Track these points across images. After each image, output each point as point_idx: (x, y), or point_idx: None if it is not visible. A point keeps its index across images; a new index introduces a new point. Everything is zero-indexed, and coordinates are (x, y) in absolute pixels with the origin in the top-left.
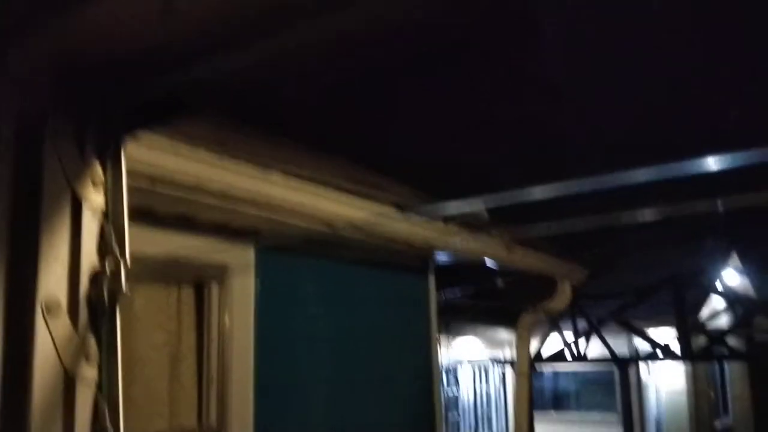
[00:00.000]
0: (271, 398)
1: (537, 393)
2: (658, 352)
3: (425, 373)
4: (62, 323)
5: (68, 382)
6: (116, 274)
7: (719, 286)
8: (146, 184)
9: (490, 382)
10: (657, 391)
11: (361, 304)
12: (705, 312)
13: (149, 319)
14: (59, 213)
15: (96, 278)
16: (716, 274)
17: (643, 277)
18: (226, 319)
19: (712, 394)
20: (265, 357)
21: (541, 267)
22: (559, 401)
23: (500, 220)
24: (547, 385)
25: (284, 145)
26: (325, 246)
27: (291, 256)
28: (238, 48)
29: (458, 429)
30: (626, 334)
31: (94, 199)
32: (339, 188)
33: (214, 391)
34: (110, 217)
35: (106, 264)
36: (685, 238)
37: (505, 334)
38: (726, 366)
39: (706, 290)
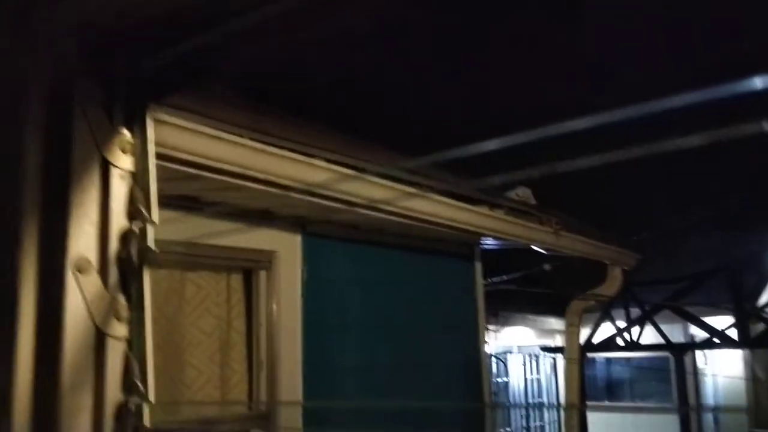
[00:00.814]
0: (319, 383)
1: (590, 382)
2: (715, 339)
3: (473, 360)
4: (92, 281)
5: (99, 339)
6: (144, 234)
7: None
8: (193, 172)
9: (541, 371)
10: (714, 379)
11: (408, 290)
12: (763, 298)
13: (200, 306)
14: (89, 176)
15: (125, 238)
16: None
17: (699, 263)
18: (274, 304)
19: None
20: (313, 342)
21: (591, 252)
22: (612, 390)
23: (548, 204)
24: (601, 374)
25: (325, 134)
26: (370, 232)
27: (337, 242)
28: (263, 13)
29: (508, 417)
30: (681, 322)
31: (123, 163)
32: (381, 174)
33: (264, 375)
34: (138, 181)
35: (134, 225)
36: (741, 223)
37: (555, 323)
38: None
39: (763, 276)
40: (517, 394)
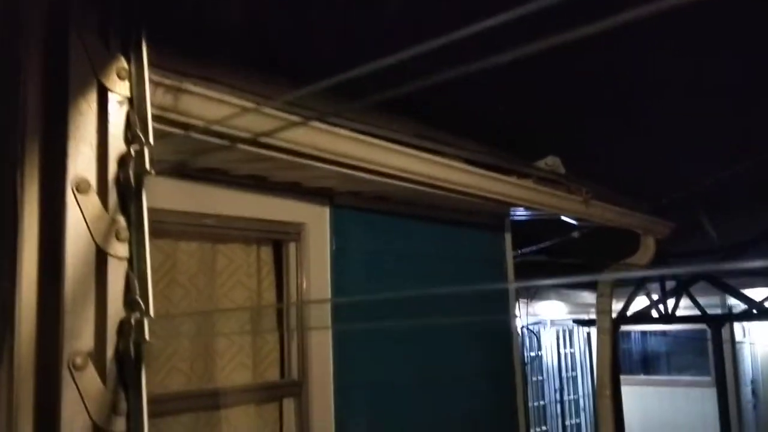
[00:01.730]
0: (349, 352)
1: (625, 356)
2: (754, 310)
3: (503, 332)
4: (92, 202)
5: (100, 258)
6: (141, 157)
7: None
8: (218, 142)
9: (575, 344)
10: (753, 353)
11: (436, 262)
12: None
13: (231, 278)
14: (86, 100)
15: (123, 161)
16: None
17: (738, 234)
18: (304, 276)
19: None
20: (342, 313)
21: (622, 221)
22: (648, 364)
23: (578, 174)
24: (636, 347)
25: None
26: (399, 204)
27: (365, 214)
28: None
29: (542, 390)
30: (718, 293)
31: (119, 89)
32: (409, 144)
33: (295, 345)
34: (134, 105)
35: (132, 148)
36: None
37: (588, 297)
38: None
39: None
40: (550, 368)
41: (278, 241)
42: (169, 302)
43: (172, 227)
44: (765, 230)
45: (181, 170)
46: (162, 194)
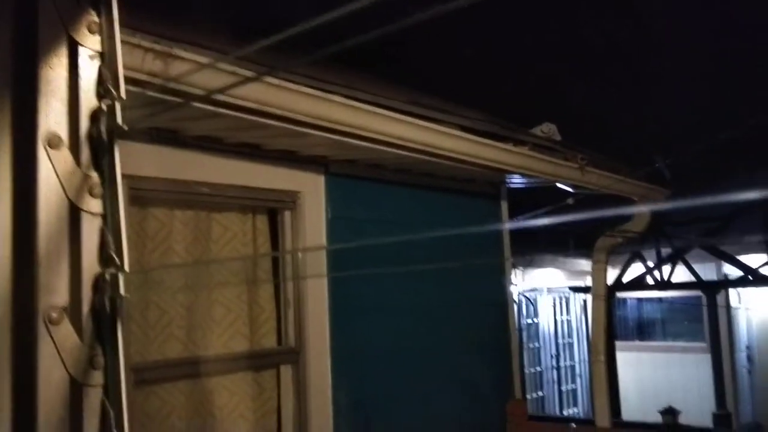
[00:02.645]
0: (346, 320)
1: (621, 322)
2: (749, 277)
3: (499, 300)
4: (64, 157)
5: (74, 213)
6: (113, 111)
7: None
8: (210, 109)
9: (571, 312)
10: (748, 319)
11: (432, 229)
12: None
13: (227, 246)
14: (56, 54)
15: (94, 117)
16: None
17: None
18: (300, 244)
19: None
20: (338, 280)
21: (617, 188)
22: (643, 330)
23: (574, 140)
24: (632, 314)
25: (343, 70)
26: (394, 172)
27: (361, 182)
28: None
29: (538, 357)
30: (714, 260)
31: (90, 43)
32: (405, 112)
33: (292, 314)
34: (105, 60)
35: (103, 103)
36: None
37: (585, 264)
38: None
39: None
40: (547, 335)
41: (273, 209)
42: (165, 271)
43: (167, 195)
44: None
45: (173, 138)
46: (156, 162)
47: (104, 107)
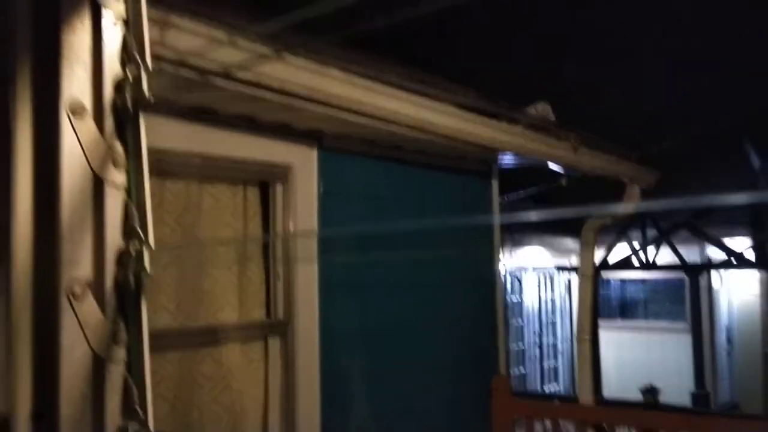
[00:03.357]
0: (335, 294)
1: (604, 301)
2: (732, 259)
3: (486, 277)
4: (88, 126)
5: (97, 185)
6: (139, 81)
7: None
8: (208, 81)
9: (555, 290)
10: (729, 301)
11: (424, 206)
12: None
13: (217, 218)
14: (80, 20)
15: (119, 86)
16: None
17: (719, 185)
18: (290, 217)
19: None
20: (329, 253)
21: (609, 168)
22: (626, 309)
23: (567, 121)
24: (615, 293)
25: (340, 45)
26: (386, 148)
27: (353, 157)
28: None
29: (522, 334)
30: (698, 243)
31: (114, 7)
32: (400, 87)
33: (281, 286)
34: (131, 28)
35: (128, 72)
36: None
37: (571, 243)
38: None
39: None
40: (531, 312)
41: (265, 182)
42: (155, 242)
43: (159, 166)
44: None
45: (169, 108)
46: (151, 132)
47: (130, 76)
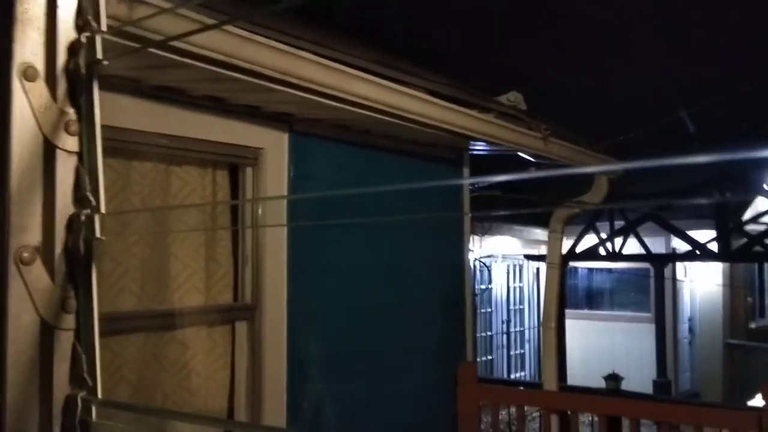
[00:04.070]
0: (303, 279)
1: (571, 291)
2: (696, 251)
3: (456, 265)
4: (40, 90)
5: (48, 150)
6: (93, 46)
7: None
8: (175, 58)
9: (524, 278)
10: (692, 292)
11: (395, 192)
12: (748, 214)
13: (185, 200)
14: None
15: (73, 50)
16: (763, 175)
17: (686, 178)
18: (260, 202)
19: (749, 298)
20: (298, 238)
21: (578, 159)
22: (592, 299)
23: (537, 111)
24: (582, 283)
25: (313, 27)
26: (358, 134)
27: (325, 142)
28: None
29: (490, 322)
30: (664, 234)
31: None
32: (372, 72)
33: (249, 270)
34: None
35: (83, 37)
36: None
37: (540, 234)
38: (766, 268)
39: (750, 191)
40: (499, 300)
41: (234, 165)
42: (123, 224)
43: (125, 146)
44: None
45: (135, 87)
46: (115, 112)
47: (84, 41)
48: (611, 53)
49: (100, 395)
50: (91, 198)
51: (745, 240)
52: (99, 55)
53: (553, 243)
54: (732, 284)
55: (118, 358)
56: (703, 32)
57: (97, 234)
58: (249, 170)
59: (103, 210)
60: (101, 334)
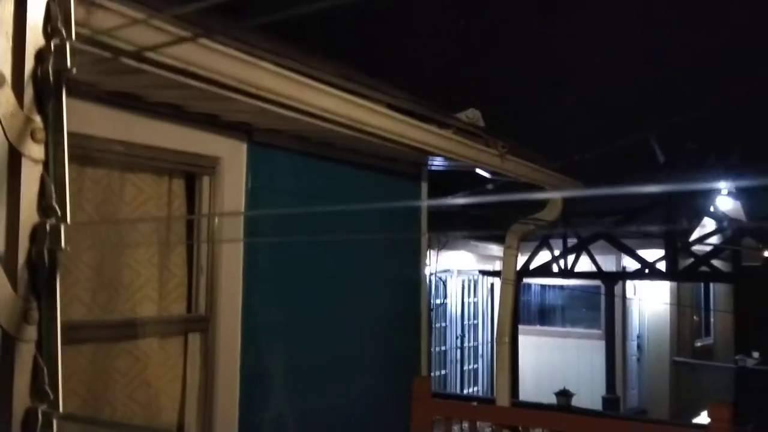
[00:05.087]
0: (259, 291)
1: (524, 307)
2: (646, 270)
3: (412, 280)
4: (6, 96)
5: (13, 158)
6: (62, 52)
7: (711, 209)
8: (132, 64)
9: (479, 294)
10: (641, 310)
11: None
12: (695, 234)
13: (140, 208)
14: None
15: (41, 56)
16: (710, 198)
17: (637, 198)
18: (217, 211)
19: (695, 317)
20: (255, 250)
21: (534, 177)
22: (545, 315)
23: (495, 129)
24: (535, 299)
25: (274, 38)
26: (318, 145)
27: (284, 153)
28: None
29: (445, 337)
30: (615, 253)
31: None
32: (333, 84)
33: (204, 280)
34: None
35: (52, 42)
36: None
37: (496, 250)
38: (712, 288)
39: (698, 212)
40: (454, 315)
41: (191, 174)
42: (75, 231)
43: (78, 152)
44: (664, 194)
45: (90, 92)
46: (71, 117)
47: (53, 46)
48: (568, 74)
49: (61, 409)
50: (57, 207)
51: (692, 260)
52: (68, 62)
53: (509, 259)
54: (679, 303)
55: (67, 369)
56: (668, 50)
57: (62, 244)
58: (206, 179)
59: (68, 220)
60: None
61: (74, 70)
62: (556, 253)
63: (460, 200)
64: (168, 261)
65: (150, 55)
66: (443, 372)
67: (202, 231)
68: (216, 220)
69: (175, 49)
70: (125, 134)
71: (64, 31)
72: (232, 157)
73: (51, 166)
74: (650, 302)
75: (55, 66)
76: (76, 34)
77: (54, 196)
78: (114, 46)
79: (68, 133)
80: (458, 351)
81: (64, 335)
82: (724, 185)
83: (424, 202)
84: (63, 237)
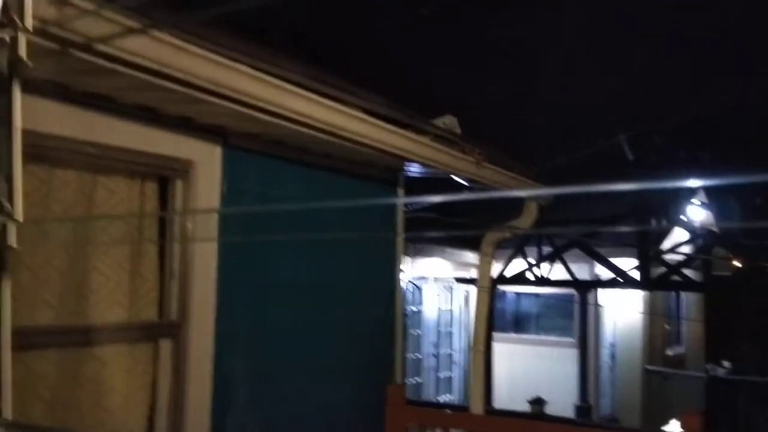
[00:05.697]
0: (232, 297)
1: (498, 315)
2: (619, 278)
3: (388, 286)
4: None
5: None
6: (15, 44)
7: (683, 219)
8: (104, 64)
9: (454, 301)
10: (614, 318)
11: (328, 211)
12: (667, 243)
13: (110, 211)
14: None
15: None
16: (682, 207)
17: (610, 206)
18: (190, 215)
19: (666, 325)
20: (228, 255)
21: (510, 184)
22: (519, 323)
23: (472, 136)
24: (509, 307)
25: (250, 41)
26: (294, 150)
27: (259, 157)
28: None
29: (419, 344)
30: (589, 261)
31: None
32: (309, 88)
33: (176, 286)
34: None
35: (6, 34)
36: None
37: (471, 257)
38: (683, 297)
39: (670, 222)
40: (429, 322)
41: (164, 177)
42: (42, 233)
43: (48, 152)
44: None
45: (62, 93)
46: (40, 117)
47: (7, 39)
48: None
49: (9, 416)
50: (6, 204)
51: (663, 269)
52: (23, 54)
53: (484, 266)
54: (651, 311)
55: (32, 374)
56: (644, 55)
57: (12, 243)
58: (179, 183)
59: (20, 217)
60: (14, 349)
61: (29, 63)
62: (531, 261)
63: (436, 198)
64: (139, 265)
65: (125, 56)
66: (418, 379)
67: (175, 235)
68: (189, 224)
69: (149, 50)
70: (97, 135)
71: (19, 23)
72: (207, 160)
73: (2, 162)
74: (623, 311)
75: (8, 58)
76: (37, 27)
77: (5, 193)
78: (66, 38)
79: (39, 134)
80: (433, 358)
81: (30, 340)
82: (694, 183)
83: (401, 200)
84: (13, 235)
